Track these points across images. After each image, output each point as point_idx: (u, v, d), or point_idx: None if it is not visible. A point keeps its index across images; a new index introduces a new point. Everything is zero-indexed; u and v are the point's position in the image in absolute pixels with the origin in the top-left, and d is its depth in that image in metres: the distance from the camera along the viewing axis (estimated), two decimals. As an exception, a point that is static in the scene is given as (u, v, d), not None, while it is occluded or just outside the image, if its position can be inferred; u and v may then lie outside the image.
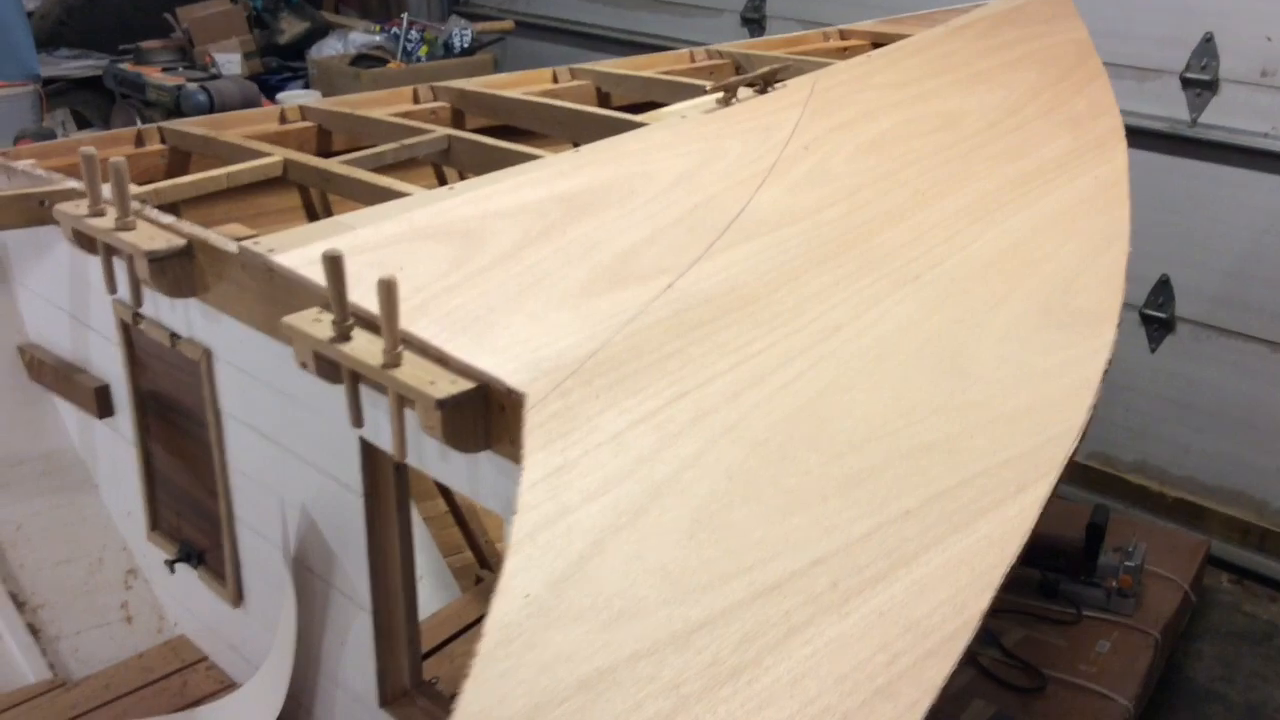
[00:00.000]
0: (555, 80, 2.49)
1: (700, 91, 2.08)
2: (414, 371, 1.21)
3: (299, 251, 1.42)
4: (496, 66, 5.06)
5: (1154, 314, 3.47)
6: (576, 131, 2.14)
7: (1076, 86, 2.08)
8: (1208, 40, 3.16)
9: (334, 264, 1.24)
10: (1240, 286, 3.30)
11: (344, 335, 1.27)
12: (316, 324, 1.30)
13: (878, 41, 2.58)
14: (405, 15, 3.76)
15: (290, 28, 3.78)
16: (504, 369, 1.19)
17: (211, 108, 3.10)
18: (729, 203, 1.61)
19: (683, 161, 1.76)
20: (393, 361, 1.22)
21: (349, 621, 1.56)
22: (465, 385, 1.18)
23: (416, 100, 2.39)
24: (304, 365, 1.32)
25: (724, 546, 0.94)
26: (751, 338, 1.26)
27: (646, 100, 2.35)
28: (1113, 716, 2.32)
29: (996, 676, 2.42)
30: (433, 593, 2.11)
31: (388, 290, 1.20)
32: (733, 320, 1.30)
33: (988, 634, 2.56)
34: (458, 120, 2.38)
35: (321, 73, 3.46)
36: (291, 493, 1.58)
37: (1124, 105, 3.35)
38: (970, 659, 2.45)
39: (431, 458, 1.31)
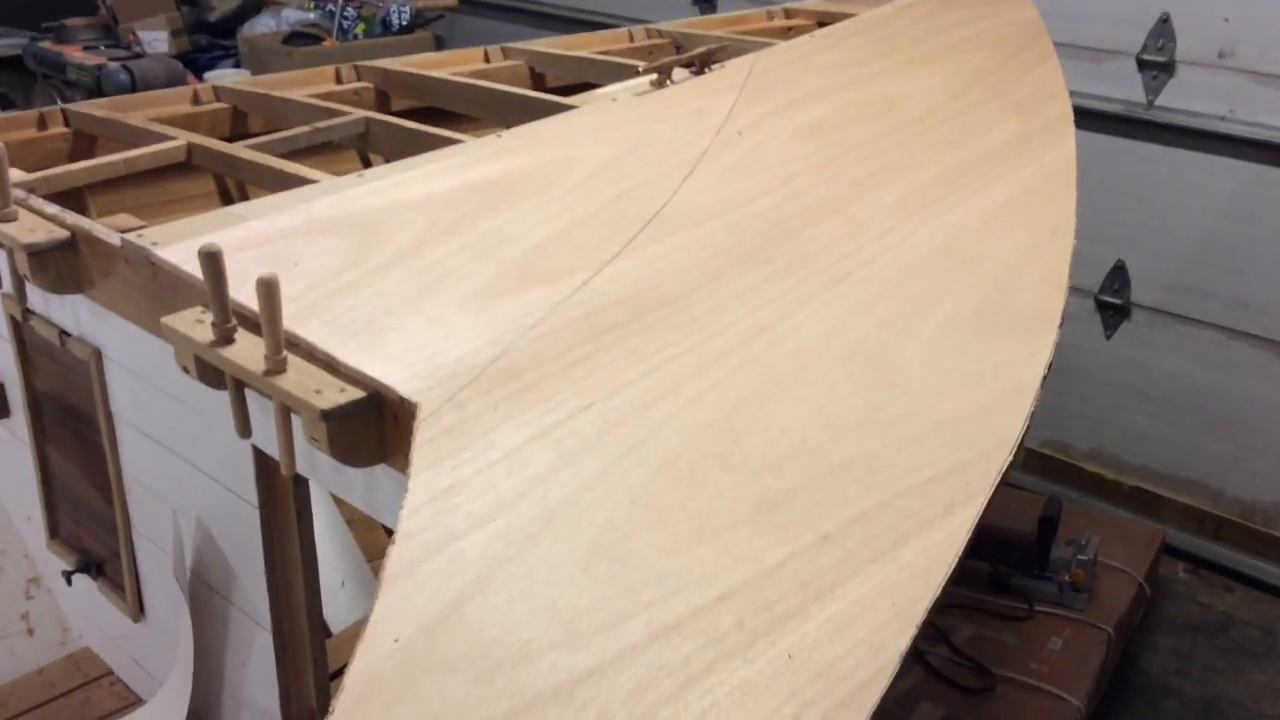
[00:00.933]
0: (487, 60, 2.38)
1: (635, 73, 1.98)
2: (299, 379, 1.11)
3: (184, 245, 1.32)
4: (440, 45, 4.93)
5: (1109, 300, 3.40)
6: (504, 115, 2.04)
7: (1024, 68, 2.00)
8: (1164, 21, 3.09)
9: (211, 260, 1.14)
10: (1197, 272, 3.24)
11: (225, 338, 1.16)
12: (198, 325, 1.19)
13: (823, 20, 2.48)
14: (341, -9, 3.63)
15: (222, 4, 3.63)
16: (397, 377, 1.09)
17: (134, 88, 2.97)
18: (654, 193, 1.51)
19: (609, 148, 1.67)
20: (276, 368, 1.11)
21: (250, 640, 1.46)
22: (355, 394, 1.08)
23: (339, 80, 2.28)
24: (185, 369, 1.22)
25: (622, 581, 0.85)
26: (667, 342, 1.17)
27: (581, 82, 2.25)
28: (1064, 717, 2.25)
29: (945, 676, 2.35)
30: (355, 600, 2.00)
31: (268, 290, 1.09)
32: (648, 323, 1.21)
33: (937, 631, 2.49)
34: (382, 102, 2.27)
35: (252, 51, 3.33)
36: (185, 503, 1.48)
37: (1079, 87, 3.28)
38: (918, 658, 2.38)
39: (325, 470, 1.21)
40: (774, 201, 1.51)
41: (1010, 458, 1.00)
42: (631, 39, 2.47)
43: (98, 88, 3.03)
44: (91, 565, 1.75)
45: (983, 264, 1.36)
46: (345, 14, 3.52)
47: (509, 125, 1.93)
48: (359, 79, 2.28)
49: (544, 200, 1.49)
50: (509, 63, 2.37)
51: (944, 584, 0.83)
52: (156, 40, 3.42)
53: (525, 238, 1.39)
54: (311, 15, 3.53)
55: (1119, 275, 3.38)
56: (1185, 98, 3.13)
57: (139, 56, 3.27)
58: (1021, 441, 1.03)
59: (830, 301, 1.27)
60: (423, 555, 0.86)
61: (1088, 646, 2.50)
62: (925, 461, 0.99)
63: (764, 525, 0.90)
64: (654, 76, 1.94)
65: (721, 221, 1.45)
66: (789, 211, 1.48)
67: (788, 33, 2.42)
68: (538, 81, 2.37)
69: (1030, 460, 3.72)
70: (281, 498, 1.36)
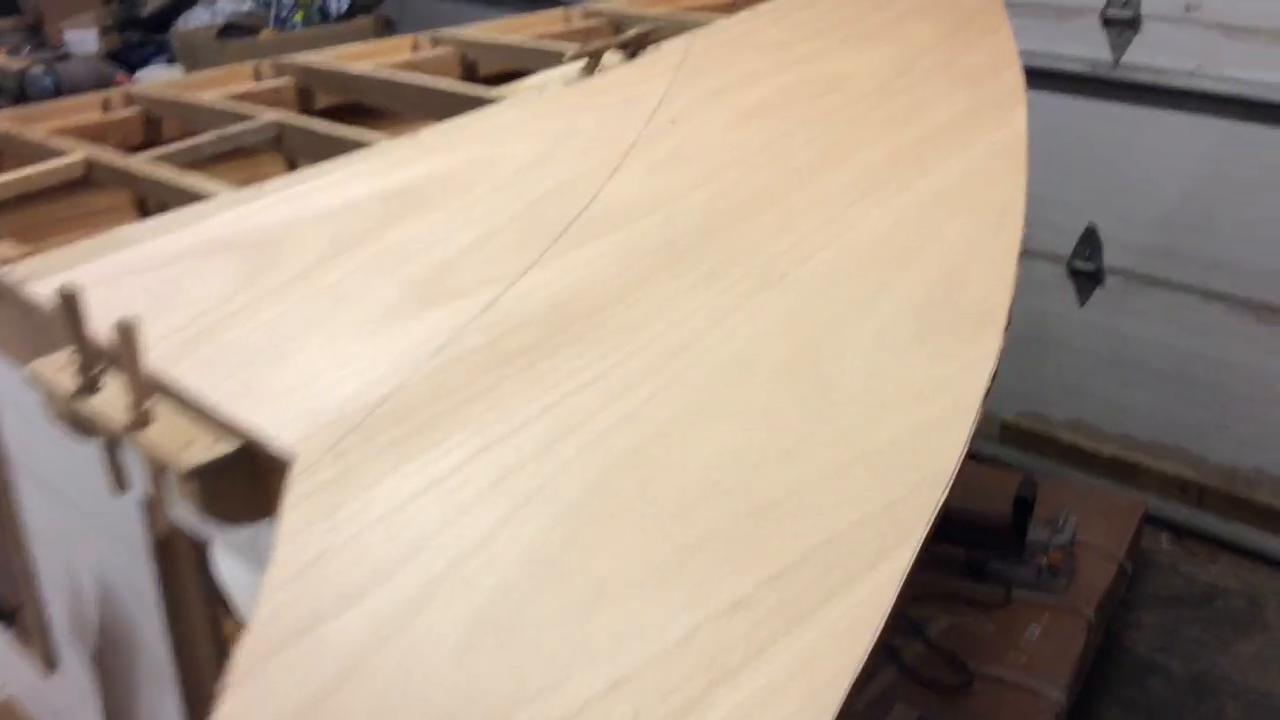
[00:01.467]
0: (416, 50, 2.26)
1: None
2: (168, 430, 1.00)
3: (60, 277, 1.20)
4: (390, 29, 4.80)
5: (1081, 267, 3.31)
6: (429, 110, 1.92)
7: (975, 38, 1.89)
8: (1128, -25, 2.98)
9: (68, 302, 1.03)
10: (1170, 235, 3.14)
11: (90, 386, 1.06)
12: (64, 372, 1.09)
13: (767, -8, 2.37)
14: (275, -20, 3.49)
15: (153, -2, 3.51)
16: (273, 424, 0.98)
17: (58, 92, 2.84)
18: (578, 192, 1.40)
19: (531, 145, 1.56)
20: (140, 420, 1.01)
21: (159, 697, 1.36)
22: (226, 448, 0.98)
23: (257, 78, 2.15)
24: (57, 419, 1.11)
25: (508, 662, 0.75)
26: (579, 366, 1.07)
27: (515, 69, 2.13)
28: (1044, 712, 2.17)
29: (920, 675, 2.26)
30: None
31: (126, 335, 0.99)
32: (561, 344, 1.10)
33: (912, 625, 2.40)
34: (305, 100, 2.15)
35: (184, 46, 3.19)
36: (83, 553, 1.37)
37: (1044, 48, 3.18)
38: (892, 656, 2.29)
39: (210, 525, 1.10)
40: (706, 196, 1.40)
41: (948, 490, 0.90)
42: (568, 20, 2.35)
43: (22, 94, 2.91)
44: (4, 613, 1.65)
45: (926, 255, 1.25)
46: (282, 2, 3.39)
47: (435, 121, 1.83)
48: (279, 76, 2.16)
49: (458, 207, 1.38)
50: (438, 51, 2.25)
51: (869, 653, 0.73)
52: (85, 39, 3.29)
53: (434, 251, 1.28)
54: (246, 6, 3.39)
55: (1090, 240, 3.29)
56: (1151, 54, 3.03)
57: (65, 58, 3.14)
58: (959, 467, 0.93)
59: (762, 307, 1.17)
60: (280, 643, 0.76)
61: (1067, 633, 2.42)
62: (853, 498, 0.89)
63: (671, 587, 0.80)
64: (583, 63, 1.83)
65: (648, 221, 1.34)
66: (722, 206, 1.38)
67: (731, 8, 2.31)
68: (469, 71, 2.25)
69: (1006, 432, 3.64)
70: (177, 546, 1.25)
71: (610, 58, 1.88)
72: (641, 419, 1.00)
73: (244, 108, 1.89)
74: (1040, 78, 3.21)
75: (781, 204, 1.37)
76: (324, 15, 3.40)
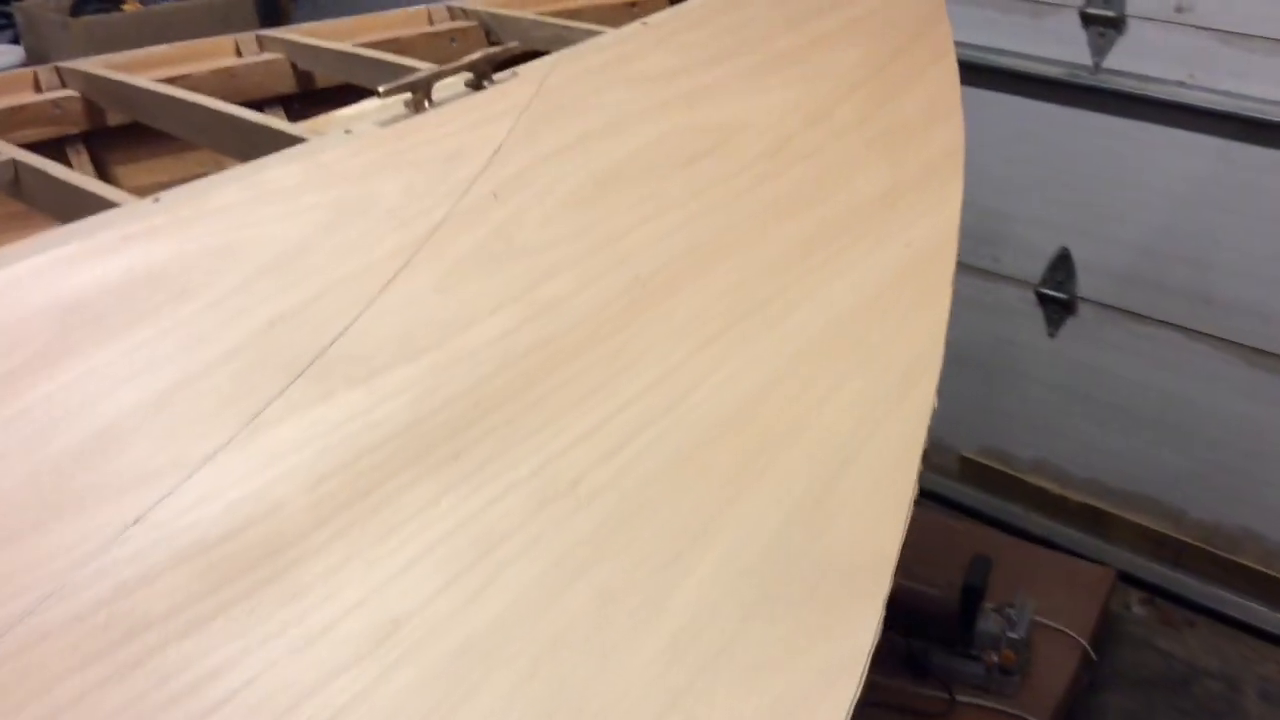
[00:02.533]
0: (239, 53, 1.85)
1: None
2: None
3: None
4: (316, 11, 4.34)
5: (1052, 294, 2.93)
6: (222, 142, 1.53)
7: (912, 72, 1.49)
8: (1112, -34, 2.58)
9: None
10: (1151, 263, 2.76)
11: None
12: None
13: (676, -5, 1.96)
14: (141, -53, 3.03)
15: (3, -36, 3.06)
16: None
17: None
18: (327, 316, 1.02)
19: (300, 223, 1.16)
20: None
21: None
22: None
23: (38, 88, 1.75)
24: None
25: None
26: (228, 658, 0.68)
27: (350, 83, 1.73)
28: None
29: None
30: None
31: None
32: (211, 612, 0.72)
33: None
34: (95, 117, 1.75)
35: (28, 22, 2.77)
36: None
37: (1018, 47, 2.77)
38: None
39: None
40: (503, 328, 1.01)
41: None
42: (431, 20, 1.94)
43: None
44: None
45: (793, 449, 0.87)
46: (149, -29, 2.96)
47: (230, 156, 1.45)
48: (64, 86, 1.75)
49: (153, 334, 0.99)
50: (266, 56, 1.84)
51: None
52: (-90, 15, 2.85)
53: (90, 417, 0.89)
54: (106, -25, 2.96)
55: (1063, 265, 2.90)
56: (1137, 59, 2.62)
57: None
58: None
59: (533, 544, 0.78)
60: None
61: (1017, 752, 2.07)
62: None
63: None
64: (408, 96, 1.42)
65: (410, 372, 0.95)
66: (527, 345, 0.99)
67: (632, 9, 1.90)
68: (304, 82, 1.85)
69: (967, 469, 3.28)
70: None
71: (452, 84, 1.47)
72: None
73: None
74: (1011, 80, 2.81)
75: (604, 344, 0.99)
76: (200, -13, 2.97)
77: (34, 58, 2.75)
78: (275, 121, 1.46)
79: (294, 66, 1.83)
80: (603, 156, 1.30)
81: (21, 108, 1.70)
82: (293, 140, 1.41)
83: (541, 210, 1.19)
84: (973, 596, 2.23)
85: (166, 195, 1.22)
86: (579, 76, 1.47)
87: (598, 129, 1.35)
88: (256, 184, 1.22)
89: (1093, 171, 2.78)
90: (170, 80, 1.75)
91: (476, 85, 1.48)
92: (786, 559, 0.78)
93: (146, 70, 1.74)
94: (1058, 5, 2.68)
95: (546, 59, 1.53)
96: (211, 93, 1.81)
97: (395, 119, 1.40)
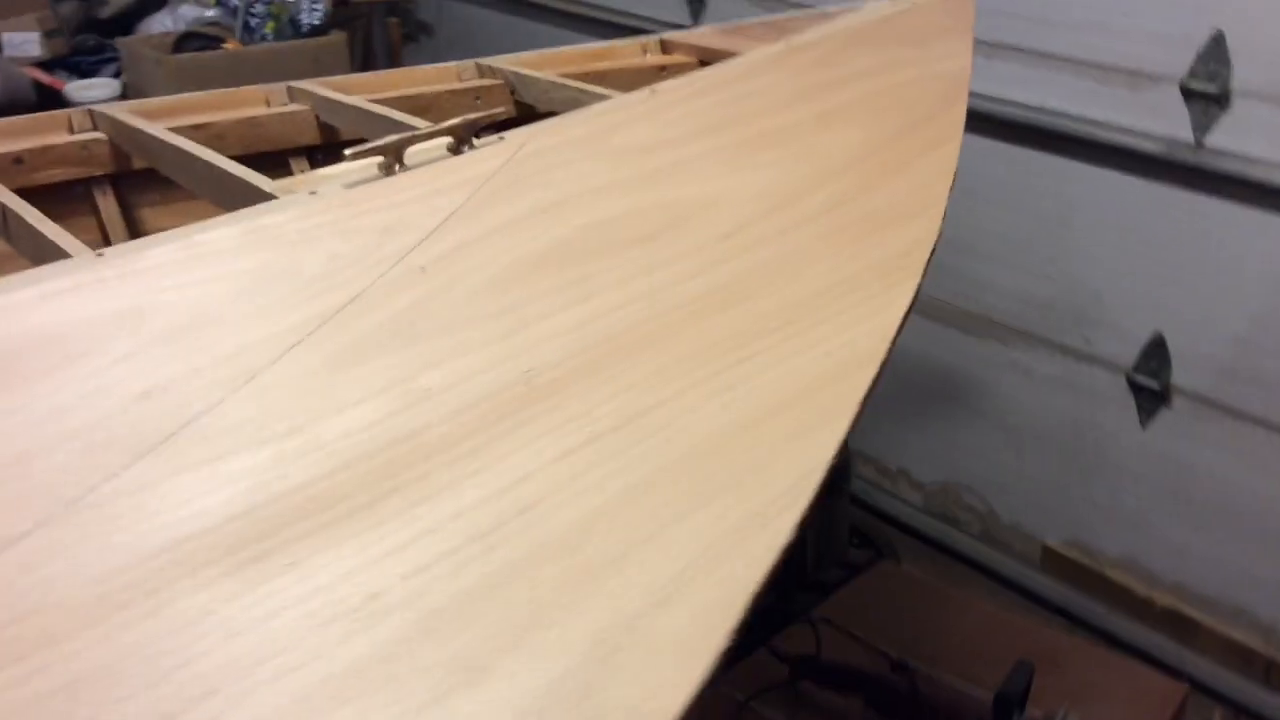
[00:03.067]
0: (268, 104, 1.87)
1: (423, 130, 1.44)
2: None
3: None
4: (423, 36, 4.44)
5: (1145, 382, 2.75)
6: (215, 194, 1.55)
7: (906, 158, 1.40)
8: (1217, 40, 2.41)
9: None
10: (1252, 356, 2.56)
11: None
12: None
13: (704, 59, 1.90)
14: (247, -17, 3.12)
15: (115, -1, 3.19)
16: None
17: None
18: (207, 386, 1.00)
19: (218, 289, 1.15)
20: None
21: None
22: None
23: (71, 130, 1.80)
24: None
25: None
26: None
27: (361, 138, 1.73)
28: None
29: None
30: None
31: None
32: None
33: None
34: (120, 161, 1.79)
35: (130, 58, 2.87)
36: None
37: (1113, 119, 2.62)
38: None
39: None
40: (373, 414, 0.98)
41: None
42: (460, 78, 1.93)
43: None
44: None
45: (610, 582, 0.80)
46: (252, 10, 3.04)
47: (226, 207, 1.46)
48: (95, 128, 1.80)
49: (26, 398, 0.98)
50: (292, 107, 1.85)
51: None
52: (26, 42, 2.99)
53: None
54: (210, 13, 3.04)
55: (1157, 352, 2.72)
56: (1241, 138, 2.45)
57: (-12, 62, 2.85)
58: None
59: (279, 678, 0.73)
60: None
61: None
62: None
63: None
64: (380, 160, 1.41)
65: (252, 460, 0.92)
66: (381, 439, 0.95)
67: (660, 73, 1.86)
68: (328, 133, 1.85)
69: (1049, 560, 3.10)
70: None
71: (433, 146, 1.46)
72: None
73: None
74: (1109, 154, 2.66)
75: (462, 445, 0.94)
76: (295, 28, 3.04)
77: (132, 92, 2.85)
78: (254, 176, 1.46)
79: (318, 119, 1.83)
80: (548, 234, 1.25)
81: (51, 148, 1.75)
82: (266, 197, 1.41)
83: (464, 289, 1.15)
84: (1003, 705, 2.09)
85: (111, 250, 1.23)
86: (557, 146, 1.43)
87: (554, 204, 1.31)
88: (193, 245, 1.22)
89: (1191, 255, 2.60)
90: (195, 128, 1.79)
91: (456, 150, 1.46)
92: (561, 709, 0.71)
93: (171, 117, 1.78)
94: (1158, 77, 2.53)
95: (531, 126, 1.49)
96: (237, 141, 1.84)
97: (366, 181, 1.39)
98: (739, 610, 0.76)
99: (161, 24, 3.06)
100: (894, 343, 1.06)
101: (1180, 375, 2.70)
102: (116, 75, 2.98)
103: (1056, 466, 3.03)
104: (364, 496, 0.88)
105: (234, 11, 3.03)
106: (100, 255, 1.21)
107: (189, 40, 2.94)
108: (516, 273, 1.18)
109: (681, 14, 3.54)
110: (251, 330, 1.08)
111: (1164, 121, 2.55)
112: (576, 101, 1.71)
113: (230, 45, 2.96)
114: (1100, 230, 2.74)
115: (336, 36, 3.01)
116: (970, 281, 3.03)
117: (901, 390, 3.32)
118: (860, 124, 1.47)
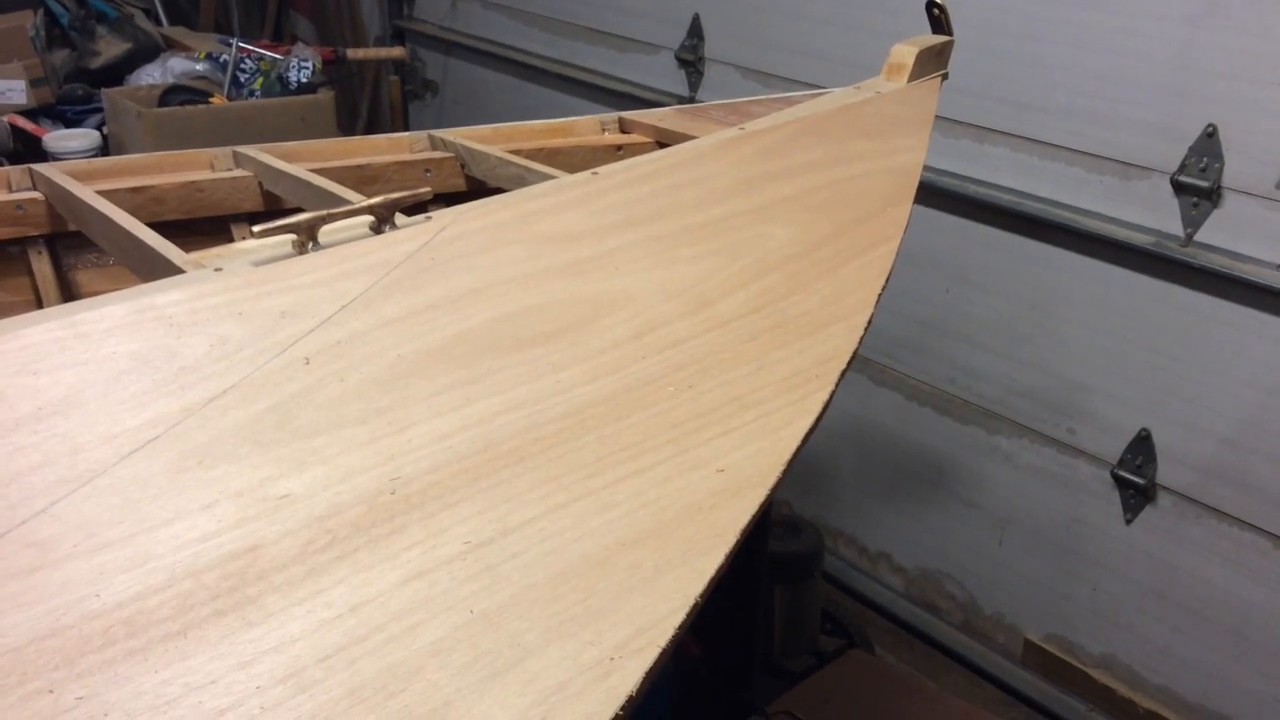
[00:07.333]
0: (213, 168, 1.83)
1: (353, 205, 1.39)
2: None
3: None
4: (421, 93, 4.43)
5: (1129, 477, 2.66)
6: (128, 258, 1.51)
7: (839, 258, 1.33)
8: (1210, 135, 2.35)
9: None
10: (1239, 458, 2.48)
11: None
12: None
13: (662, 140, 1.85)
14: (235, 40, 3.09)
15: (107, 49, 3.17)
16: None
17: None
18: (46, 486, 0.95)
19: (85, 374, 1.10)
20: None
21: None
22: None
23: (10, 189, 1.76)
24: None
25: None
26: None
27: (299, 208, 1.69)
28: None
29: None
30: None
31: None
32: None
33: None
34: (55, 222, 1.75)
35: (112, 110, 2.85)
36: None
37: (1104, 210, 2.56)
38: None
39: None
40: (211, 526, 0.92)
41: None
42: (412, 149, 1.88)
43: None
44: None
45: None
46: (242, 66, 3.01)
47: (144, 276, 1.42)
48: (34, 187, 1.76)
49: None
50: (237, 173, 1.82)
51: None
52: (11, 90, 2.97)
53: None
54: (200, 66, 3.02)
55: (1142, 448, 2.64)
56: (1232, 235, 2.38)
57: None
58: None
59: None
60: None
61: None
62: None
63: None
64: (293, 237, 1.36)
65: (76, 571, 0.86)
66: (215, 554, 0.89)
67: (615, 153, 1.81)
68: (271, 200, 1.81)
69: (1030, 654, 3.00)
70: None
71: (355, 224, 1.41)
72: None
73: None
74: (1097, 244, 2.59)
75: (303, 564, 0.88)
76: (284, 85, 3.01)
77: (114, 144, 2.83)
78: (167, 247, 1.41)
79: (260, 185, 1.79)
80: (449, 327, 1.19)
81: (-14, 206, 1.71)
82: (176, 270, 1.36)
83: (344, 386, 1.10)
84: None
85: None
86: (479, 230, 1.38)
87: (463, 293, 1.25)
88: (73, 324, 1.16)
89: (1179, 351, 2.52)
90: (133, 190, 1.75)
91: (377, 229, 1.41)
92: None
93: (108, 179, 1.74)
94: (1148, 169, 2.46)
95: (457, 208, 1.45)
96: (177, 206, 1.80)
97: (277, 259, 1.34)
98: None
99: (151, 76, 3.04)
100: (792, 462, 0.99)
101: (1165, 473, 2.62)
102: (100, 126, 2.97)
103: (1039, 558, 2.94)
104: (178, 622, 0.82)
105: (222, 66, 3.01)
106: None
107: (174, 93, 2.92)
108: (406, 368, 1.13)
109: (680, 85, 3.51)
110: (106, 425, 1.03)
111: (1154, 214, 2.49)
112: (521, 180, 1.67)
113: (216, 100, 2.94)
114: (1087, 321, 2.67)
115: (324, 95, 2.98)
116: (956, 366, 2.96)
117: (886, 472, 3.24)
118: (797, 220, 1.41)
